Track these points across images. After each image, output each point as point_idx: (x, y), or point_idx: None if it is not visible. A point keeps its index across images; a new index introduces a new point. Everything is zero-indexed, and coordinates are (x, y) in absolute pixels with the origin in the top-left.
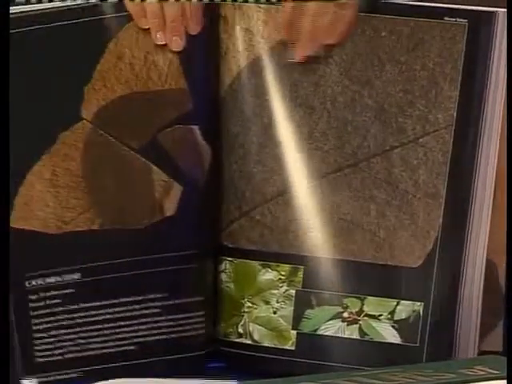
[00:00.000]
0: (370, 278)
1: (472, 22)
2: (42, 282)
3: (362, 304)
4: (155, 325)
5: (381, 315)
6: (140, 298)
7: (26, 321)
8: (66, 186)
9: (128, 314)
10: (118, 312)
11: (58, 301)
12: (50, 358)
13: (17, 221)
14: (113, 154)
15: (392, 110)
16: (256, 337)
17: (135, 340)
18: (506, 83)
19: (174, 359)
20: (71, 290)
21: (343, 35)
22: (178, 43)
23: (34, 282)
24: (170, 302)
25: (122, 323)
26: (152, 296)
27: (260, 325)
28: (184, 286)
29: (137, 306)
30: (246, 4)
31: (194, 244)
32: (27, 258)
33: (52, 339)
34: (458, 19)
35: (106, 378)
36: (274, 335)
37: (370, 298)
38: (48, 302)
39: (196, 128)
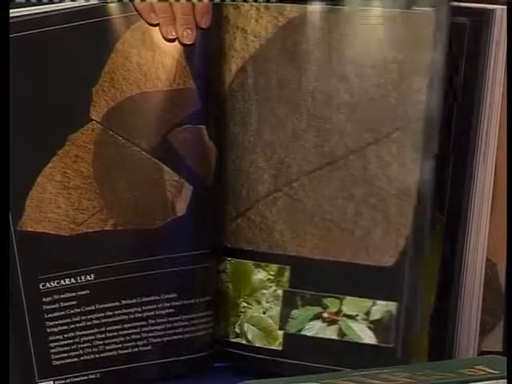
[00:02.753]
0: (347, 278)
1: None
2: (57, 285)
3: (341, 304)
4: (170, 325)
5: (358, 315)
6: (155, 298)
7: (41, 324)
8: (78, 188)
9: (143, 314)
10: (133, 312)
11: (72, 303)
12: (66, 361)
13: (29, 224)
14: (124, 155)
15: (366, 105)
16: (250, 337)
17: (151, 340)
18: (507, 83)
19: (184, 359)
20: (86, 292)
21: None
22: (189, 36)
23: (48, 285)
24: (185, 302)
25: (137, 324)
26: (167, 296)
27: (252, 325)
28: (196, 285)
29: (151, 307)
30: (245, 3)
31: (204, 244)
32: (40, 261)
33: (68, 341)
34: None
35: (123, 380)
36: (264, 335)
37: (347, 297)
38: (63, 304)
39: (203, 128)
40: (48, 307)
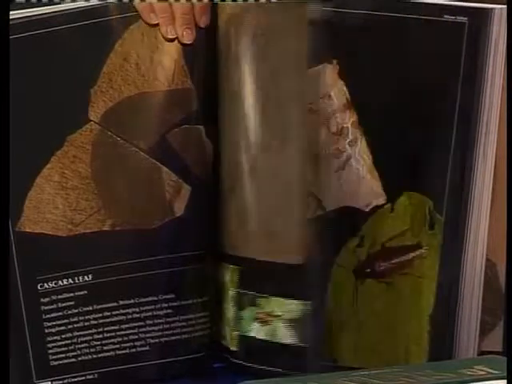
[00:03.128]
0: (274, 277)
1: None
2: (54, 285)
3: (270, 304)
4: (168, 325)
5: (282, 315)
6: (153, 298)
7: (39, 324)
8: (76, 188)
9: (141, 314)
10: (131, 313)
11: (70, 303)
12: (64, 361)
13: (27, 224)
14: (122, 155)
15: (268, 104)
16: (228, 338)
17: (149, 341)
18: (507, 82)
19: (182, 360)
20: (84, 292)
21: None
22: (189, 36)
23: (46, 285)
24: (183, 303)
25: (135, 324)
26: (165, 296)
27: (228, 326)
28: (194, 286)
29: (149, 307)
30: (241, 3)
31: (202, 244)
32: (38, 262)
33: (66, 342)
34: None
35: (121, 380)
36: (230, 337)
37: (273, 298)
38: (61, 304)
39: (202, 128)
40: (46, 308)
